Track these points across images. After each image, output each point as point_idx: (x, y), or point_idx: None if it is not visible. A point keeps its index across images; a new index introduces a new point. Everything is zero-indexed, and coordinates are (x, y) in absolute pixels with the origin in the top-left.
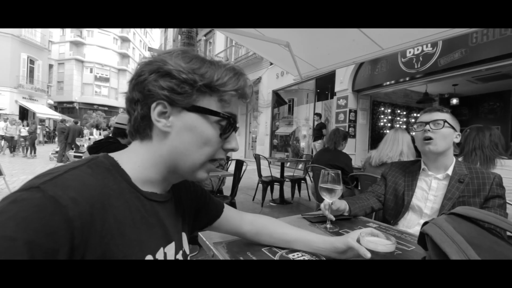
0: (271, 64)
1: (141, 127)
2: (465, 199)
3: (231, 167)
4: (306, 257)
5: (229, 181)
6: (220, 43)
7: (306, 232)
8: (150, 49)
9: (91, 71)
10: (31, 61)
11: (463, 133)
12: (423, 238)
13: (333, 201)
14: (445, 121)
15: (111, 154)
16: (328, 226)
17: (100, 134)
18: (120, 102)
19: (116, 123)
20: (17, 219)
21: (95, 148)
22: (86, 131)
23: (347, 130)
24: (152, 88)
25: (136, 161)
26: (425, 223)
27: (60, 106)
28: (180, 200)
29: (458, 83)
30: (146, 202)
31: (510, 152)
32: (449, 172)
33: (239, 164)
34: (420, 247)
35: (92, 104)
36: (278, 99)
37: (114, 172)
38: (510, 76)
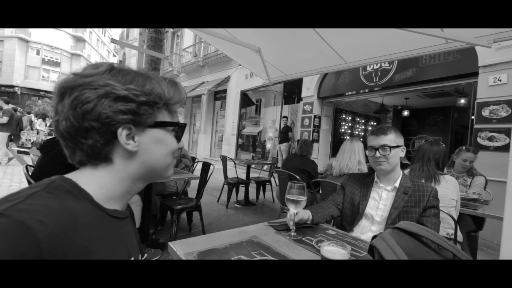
0: (240, 64)
1: (101, 154)
2: (408, 208)
3: (197, 167)
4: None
5: (194, 182)
6: (188, 38)
7: None
8: (113, 40)
9: (37, 53)
10: None
11: (417, 145)
12: (372, 249)
13: (298, 211)
14: (391, 147)
15: (67, 176)
16: (292, 234)
17: (46, 126)
18: None
19: None
20: None
21: (48, 146)
22: (25, 119)
23: (311, 135)
24: (111, 115)
25: (98, 182)
26: (374, 237)
27: None
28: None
29: (409, 97)
30: (109, 220)
31: (448, 164)
32: (396, 184)
33: (206, 166)
34: (369, 255)
35: (38, 90)
36: (246, 99)
37: (76, 193)
38: (451, 94)
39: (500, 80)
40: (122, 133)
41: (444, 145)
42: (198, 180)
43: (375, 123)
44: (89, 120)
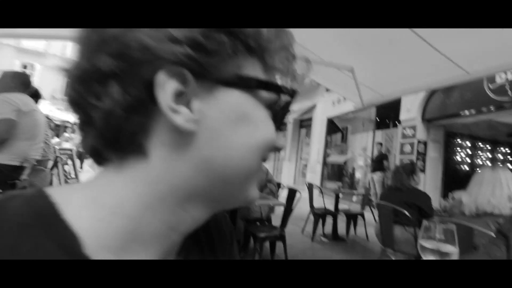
0: (327, 90)
1: (125, 133)
2: None
3: (283, 195)
4: None
5: (278, 209)
6: None
7: None
8: None
9: None
10: None
11: None
12: None
13: None
14: None
15: (48, 192)
16: None
17: None
18: None
19: None
20: None
21: None
22: None
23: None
24: (153, 44)
25: (106, 203)
26: None
27: None
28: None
29: None
30: None
31: None
32: None
33: (292, 193)
34: None
35: None
36: (332, 126)
37: (40, 229)
38: None
39: None
40: (164, 85)
41: None
42: (282, 207)
43: (508, 150)
44: (106, 54)
